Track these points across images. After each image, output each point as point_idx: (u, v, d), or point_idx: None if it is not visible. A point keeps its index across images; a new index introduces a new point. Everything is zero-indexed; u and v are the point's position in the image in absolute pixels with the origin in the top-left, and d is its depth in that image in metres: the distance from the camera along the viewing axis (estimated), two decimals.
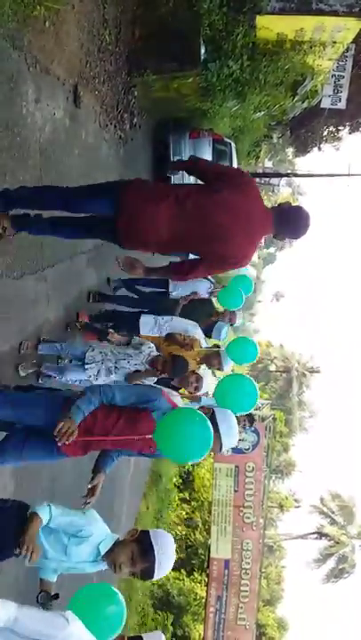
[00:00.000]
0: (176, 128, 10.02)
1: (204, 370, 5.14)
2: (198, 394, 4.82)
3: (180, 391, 4.88)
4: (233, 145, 10.83)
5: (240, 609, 11.66)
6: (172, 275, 3.88)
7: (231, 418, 3.27)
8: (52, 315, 5.01)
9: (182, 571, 15.88)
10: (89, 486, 3.22)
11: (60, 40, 4.83)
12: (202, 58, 7.48)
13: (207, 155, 10.05)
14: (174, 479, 16.54)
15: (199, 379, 4.82)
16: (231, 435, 3.22)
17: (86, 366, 4.41)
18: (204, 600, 12.88)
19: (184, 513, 17.25)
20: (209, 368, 5.39)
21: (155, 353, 4.54)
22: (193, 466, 18.18)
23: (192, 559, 16.42)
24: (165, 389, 3.27)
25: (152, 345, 4.58)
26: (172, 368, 4.40)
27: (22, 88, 4.11)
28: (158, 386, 3.57)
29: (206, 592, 12.39)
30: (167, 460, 15.02)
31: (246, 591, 11.61)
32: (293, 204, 3.63)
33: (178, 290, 6.59)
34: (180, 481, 17.53)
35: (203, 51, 7.45)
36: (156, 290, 6.80)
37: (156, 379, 4.49)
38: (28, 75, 4.19)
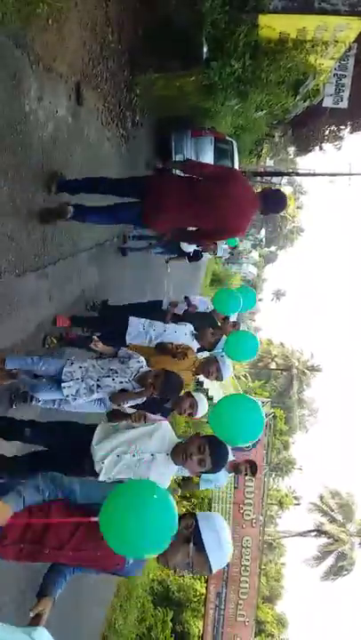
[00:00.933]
0: (178, 126, 10.03)
1: (198, 395, 4.44)
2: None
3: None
4: (235, 143, 10.85)
5: (239, 605, 11.71)
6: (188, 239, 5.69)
7: (219, 525, 2.38)
8: (53, 312, 5.04)
9: None
10: (31, 614, 2.37)
11: (62, 38, 4.85)
12: (204, 56, 7.48)
13: (209, 153, 10.07)
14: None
15: (194, 404, 4.28)
16: (222, 552, 2.35)
17: (63, 384, 3.79)
18: (203, 596, 12.93)
19: (184, 510, 17.30)
20: (206, 378, 4.90)
21: (145, 368, 3.90)
22: None
23: None
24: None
25: (142, 359, 3.95)
26: (164, 384, 3.74)
27: (25, 86, 4.14)
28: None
29: (206, 589, 12.45)
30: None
31: (246, 588, 11.66)
32: (273, 189, 4.94)
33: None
34: (180, 478, 17.57)
35: (205, 49, 7.45)
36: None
37: (144, 399, 3.88)
38: (30, 72, 4.21)
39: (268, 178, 24.26)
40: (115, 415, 3.54)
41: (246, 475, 5.34)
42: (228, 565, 11.99)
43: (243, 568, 11.88)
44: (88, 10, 5.47)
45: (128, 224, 6.24)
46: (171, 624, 12.83)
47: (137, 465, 3.14)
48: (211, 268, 27.28)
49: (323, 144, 18.19)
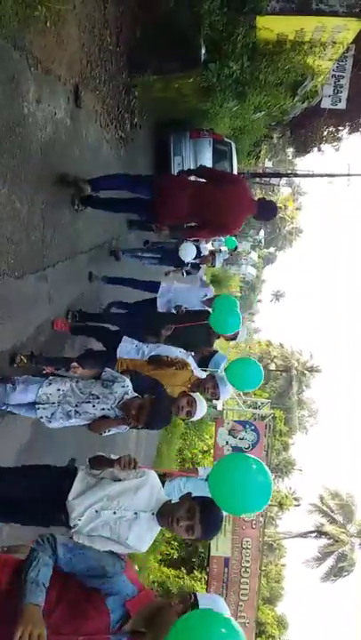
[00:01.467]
0: (176, 128, 10.04)
1: (196, 395, 4.27)
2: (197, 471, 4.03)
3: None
4: (233, 145, 10.86)
5: (240, 607, 11.70)
6: (191, 233, 5.81)
7: (220, 606, 2.28)
8: (52, 314, 5.04)
9: (182, 569, 15.92)
10: None
11: (61, 40, 4.86)
12: (202, 58, 7.50)
13: (208, 154, 10.08)
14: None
15: (192, 402, 4.09)
16: None
17: (38, 406, 3.47)
18: None
19: None
20: (202, 394, 4.53)
21: (130, 395, 3.47)
22: (193, 464, 18.21)
23: (192, 557, 16.46)
24: None
25: (127, 383, 3.51)
26: (150, 416, 3.34)
27: (23, 88, 4.14)
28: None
29: (206, 590, 12.44)
30: (168, 459, 15.05)
31: (246, 589, 11.66)
32: (268, 199, 5.71)
33: (168, 296, 6.07)
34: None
35: (203, 51, 7.46)
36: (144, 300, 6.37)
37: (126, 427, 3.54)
38: (29, 75, 4.22)
39: (267, 179, 24.29)
40: (98, 462, 3.05)
41: None
42: (228, 567, 12.00)
43: (243, 569, 11.88)
44: (86, 12, 5.48)
45: (137, 213, 6.84)
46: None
47: (116, 523, 2.78)
48: (210, 271, 27.30)
49: (321, 145, 18.22)
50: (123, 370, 4.18)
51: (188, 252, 7.92)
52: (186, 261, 8.33)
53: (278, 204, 49.53)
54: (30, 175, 4.28)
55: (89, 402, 3.42)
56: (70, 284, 5.60)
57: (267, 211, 5.38)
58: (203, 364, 5.13)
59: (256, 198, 5.41)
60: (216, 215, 5.04)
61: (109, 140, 6.83)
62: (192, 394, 4.22)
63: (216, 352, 5.35)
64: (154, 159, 9.93)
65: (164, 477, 4.91)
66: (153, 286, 6.46)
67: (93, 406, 3.42)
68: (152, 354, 4.68)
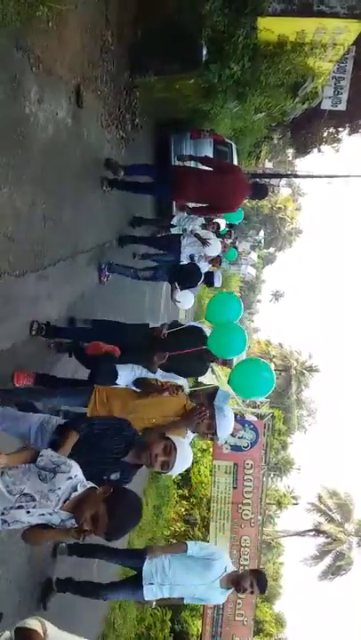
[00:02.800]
0: (177, 129, 10.07)
1: (177, 440, 3.34)
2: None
3: None
4: (234, 146, 10.89)
5: (238, 605, 11.73)
6: (201, 211, 7.06)
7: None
8: (53, 313, 5.07)
9: None
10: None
11: (62, 40, 4.88)
12: (203, 59, 7.52)
13: (208, 155, 10.10)
14: (173, 476, 16.61)
15: (170, 449, 3.16)
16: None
17: None
18: None
19: (183, 509, 17.33)
20: (196, 431, 3.92)
21: (82, 488, 2.46)
22: (192, 463, 18.22)
23: None
24: None
25: (76, 471, 2.49)
26: (111, 521, 2.41)
27: (25, 88, 4.17)
28: None
29: None
30: None
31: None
32: (259, 182, 7.46)
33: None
34: (180, 478, 17.59)
35: (204, 52, 7.49)
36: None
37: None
38: (30, 75, 4.24)
39: (267, 179, 24.30)
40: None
41: (252, 592, 4.67)
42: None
43: (241, 567, 11.90)
44: (88, 13, 5.51)
45: (156, 195, 8.62)
46: (170, 623, 12.84)
47: None
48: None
49: (321, 146, 18.24)
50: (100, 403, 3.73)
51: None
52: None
53: (278, 205, 49.66)
54: (31, 175, 4.31)
55: (21, 507, 2.38)
56: (71, 283, 5.63)
57: (259, 191, 6.83)
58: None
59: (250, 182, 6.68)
60: (219, 198, 6.31)
61: (110, 140, 6.86)
62: (174, 436, 3.35)
63: (217, 388, 4.30)
64: (154, 159, 9.96)
65: (144, 554, 4.73)
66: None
67: (28, 512, 2.39)
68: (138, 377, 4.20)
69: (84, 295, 6.13)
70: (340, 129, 16.76)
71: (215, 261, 9.10)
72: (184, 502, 17.63)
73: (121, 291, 8.01)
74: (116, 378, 4.26)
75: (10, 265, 4.03)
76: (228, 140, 10.83)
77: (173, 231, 8.72)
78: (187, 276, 7.30)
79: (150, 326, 5.27)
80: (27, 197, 4.24)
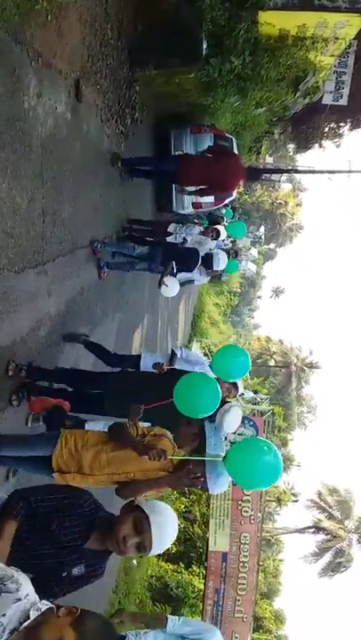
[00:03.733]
0: (177, 123, 10.02)
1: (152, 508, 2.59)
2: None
3: None
4: (234, 140, 10.83)
5: (238, 601, 11.76)
6: (203, 192, 7.84)
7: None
8: (53, 309, 5.05)
9: (181, 563, 16.00)
10: None
11: (62, 34, 4.84)
12: (204, 53, 7.46)
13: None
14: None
15: (142, 525, 2.47)
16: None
17: None
18: (201, 593, 12.98)
19: (182, 506, 17.35)
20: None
21: (34, 613, 1.65)
22: None
23: (190, 552, 16.53)
24: None
25: (29, 592, 1.71)
26: None
27: (24, 82, 4.13)
28: None
29: (204, 585, 12.50)
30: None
31: (244, 584, 11.71)
32: (253, 166, 9.78)
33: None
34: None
35: (204, 46, 7.43)
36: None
37: None
38: (30, 69, 4.21)
39: (268, 175, 24.22)
40: None
41: None
42: (226, 562, 12.04)
43: (241, 564, 11.93)
44: (87, 6, 5.46)
45: (165, 182, 9.45)
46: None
47: None
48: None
49: (322, 141, 18.17)
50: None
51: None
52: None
53: (279, 201, 49.55)
54: (30, 170, 4.28)
55: None
56: (71, 278, 5.60)
57: (254, 173, 8.57)
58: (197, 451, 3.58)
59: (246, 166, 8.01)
60: (219, 180, 7.25)
61: (110, 134, 6.82)
62: (149, 511, 2.52)
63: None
64: (154, 154, 9.92)
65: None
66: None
67: None
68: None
69: (84, 291, 6.10)
70: (341, 124, 16.69)
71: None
72: (183, 499, 17.64)
73: (120, 286, 7.99)
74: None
75: (9, 261, 4.00)
76: (229, 135, 10.78)
77: (169, 239, 7.99)
78: (184, 260, 6.95)
79: (143, 356, 5.22)
80: (26, 192, 4.21)
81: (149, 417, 3.68)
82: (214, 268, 7.63)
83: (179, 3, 7.07)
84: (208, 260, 7.49)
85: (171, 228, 8.17)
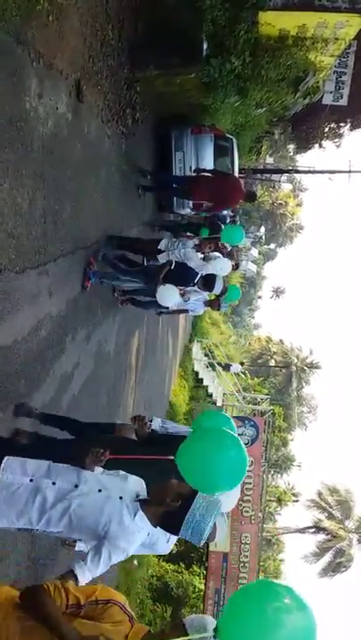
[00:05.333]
0: (178, 123, 10.03)
1: None
2: None
3: None
4: (234, 141, 10.84)
5: None
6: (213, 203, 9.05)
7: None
8: (54, 309, 5.05)
9: (181, 564, 15.98)
10: None
11: (63, 35, 4.85)
12: (204, 53, 7.48)
13: (209, 150, 10.06)
14: None
15: None
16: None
17: None
18: (202, 593, 12.98)
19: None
20: None
21: None
22: None
23: (191, 552, 16.50)
24: None
25: None
26: None
27: (25, 83, 4.14)
28: None
29: (205, 585, 12.50)
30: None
31: (244, 584, 11.71)
32: (251, 190, 11.09)
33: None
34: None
35: (205, 46, 7.45)
36: None
37: None
38: (31, 69, 4.22)
39: (268, 175, 24.23)
40: None
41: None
42: (227, 562, 12.05)
43: (241, 564, 11.94)
44: (88, 6, 5.47)
45: (176, 196, 10.09)
46: (170, 620, 12.87)
47: None
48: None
49: (322, 141, 18.18)
50: None
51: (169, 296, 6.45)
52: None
53: (279, 201, 49.50)
54: (31, 170, 4.29)
55: None
56: (71, 278, 5.61)
57: (250, 196, 9.49)
58: (168, 522, 2.76)
59: (245, 190, 9.22)
60: (223, 197, 8.51)
61: (111, 135, 6.83)
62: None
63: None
64: (155, 155, 9.92)
65: None
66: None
67: None
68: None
69: (85, 291, 6.11)
70: (341, 124, 16.70)
71: (213, 304, 7.81)
72: None
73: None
74: None
75: (10, 261, 4.01)
76: (229, 135, 10.79)
77: (161, 258, 7.06)
78: (177, 278, 6.41)
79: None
80: (27, 193, 4.21)
81: (121, 467, 2.99)
82: (214, 291, 6.91)
83: (179, 3, 7.08)
84: (209, 281, 6.76)
85: (162, 245, 7.23)
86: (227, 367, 20.22)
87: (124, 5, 6.56)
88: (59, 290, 5.13)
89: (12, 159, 3.94)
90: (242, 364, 25.34)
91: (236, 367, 20.70)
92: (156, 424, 3.98)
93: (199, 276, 6.68)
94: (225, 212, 12.34)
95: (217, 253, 8.04)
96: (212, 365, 20.49)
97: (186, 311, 7.62)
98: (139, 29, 7.07)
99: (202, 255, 7.45)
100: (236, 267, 10.27)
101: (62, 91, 4.96)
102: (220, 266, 7.29)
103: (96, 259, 6.26)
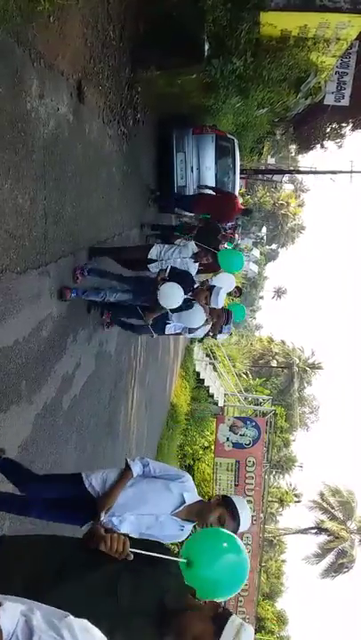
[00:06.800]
0: (179, 124, 10.03)
1: None
2: None
3: None
4: (236, 141, 10.85)
5: (240, 602, 11.74)
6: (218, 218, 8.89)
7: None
8: (55, 309, 5.05)
9: None
10: None
11: (64, 35, 4.85)
12: (206, 54, 7.48)
13: (210, 151, 10.07)
14: None
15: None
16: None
17: None
18: None
19: None
20: None
21: None
22: (194, 460, 18.24)
23: None
24: None
25: None
26: None
27: (26, 83, 4.14)
28: None
29: None
30: (168, 454, 15.09)
31: (246, 585, 11.70)
32: (247, 207, 13.40)
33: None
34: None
35: (206, 47, 7.45)
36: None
37: None
38: (32, 70, 4.21)
39: (270, 175, 24.23)
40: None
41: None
42: None
43: None
44: (90, 7, 5.47)
45: (183, 208, 10.61)
46: None
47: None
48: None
49: (324, 142, 18.18)
50: None
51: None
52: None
53: (281, 202, 49.49)
54: (32, 170, 4.28)
55: None
56: (72, 279, 5.60)
57: (247, 212, 11.18)
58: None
59: (242, 206, 10.38)
60: (222, 213, 9.13)
61: (112, 135, 6.83)
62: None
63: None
64: (156, 155, 9.93)
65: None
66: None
67: None
68: None
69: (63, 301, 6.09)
70: (343, 124, 16.69)
71: (216, 326, 6.28)
72: None
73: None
74: None
75: (11, 261, 4.01)
76: (231, 136, 10.79)
77: (152, 267, 6.34)
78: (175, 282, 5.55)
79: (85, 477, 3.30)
80: (28, 193, 4.21)
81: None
82: (214, 305, 6.00)
83: (181, 4, 7.08)
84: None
85: (153, 253, 6.45)
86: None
87: (125, 6, 6.56)
88: (60, 290, 5.13)
89: (13, 160, 3.94)
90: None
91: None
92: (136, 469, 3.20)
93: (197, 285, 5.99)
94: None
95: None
96: (213, 366, 20.49)
97: (185, 330, 6.34)
98: (140, 30, 7.07)
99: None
100: (238, 293, 8.56)
101: (63, 91, 4.96)
102: (226, 280, 6.47)
103: (83, 273, 5.56)
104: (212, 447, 14.85)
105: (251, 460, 12.27)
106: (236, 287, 7.56)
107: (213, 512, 2.96)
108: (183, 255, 6.31)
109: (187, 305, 5.50)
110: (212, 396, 19.14)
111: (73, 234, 5.42)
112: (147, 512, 3.06)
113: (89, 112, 5.77)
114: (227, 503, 2.99)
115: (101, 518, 2.95)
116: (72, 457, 5.69)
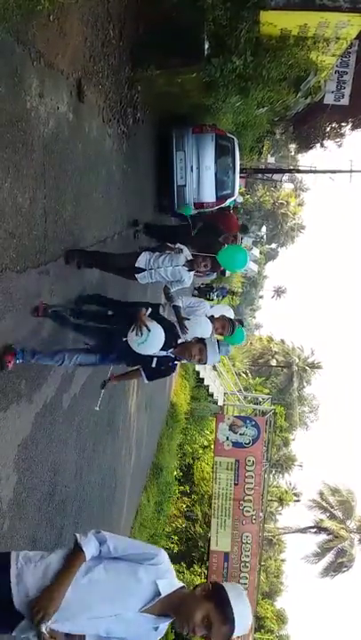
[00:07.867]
0: (179, 123, 10.02)
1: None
2: None
3: None
4: (236, 140, 10.84)
5: None
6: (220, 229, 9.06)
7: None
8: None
9: (182, 563, 15.98)
10: None
11: (64, 34, 4.85)
12: (205, 53, 7.47)
13: (210, 150, 10.06)
14: (175, 472, 16.63)
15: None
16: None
17: None
18: None
19: (184, 506, 17.35)
20: None
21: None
22: (193, 459, 18.25)
23: (192, 552, 16.53)
24: None
25: None
26: None
27: (26, 82, 4.14)
28: None
29: None
30: (168, 453, 15.09)
31: (245, 584, 11.71)
32: (243, 223, 13.97)
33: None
34: (181, 474, 17.61)
35: (206, 46, 7.44)
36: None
37: None
38: (32, 69, 4.22)
39: (270, 174, 24.22)
40: None
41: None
42: (227, 561, 12.05)
43: (242, 564, 11.93)
44: (89, 6, 5.47)
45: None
46: None
47: None
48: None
49: (324, 141, 18.16)
50: None
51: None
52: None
53: (281, 201, 49.45)
54: (32, 169, 4.28)
55: None
56: (72, 278, 5.60)
57: (243, 228, 11.70)
58: None
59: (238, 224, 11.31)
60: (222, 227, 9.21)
61: (112, 134, 6.83)
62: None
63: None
64: (156, 154, 9.92)
65: None
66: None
67: None
68: None
69: (85, 291, 6.10)
70: (343, 124, 16.67)
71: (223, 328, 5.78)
72: (185, 499, 17.65)
73: (123, 285, 7.97)
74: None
75: (11, 260, 4.01)
76: (230, 135, 10.78)
77: (140, 277, 5.77)
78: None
79: None
80: (28, 192, 4.21)
81: None
82: (209, 363, 4.85)
83: (180, 3, 7.07)
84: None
85: (141, 262, 5.74)
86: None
87: (125, 5, 6.56)
88: (60, 289, 5.13)
89: (13, 159, 3.94)
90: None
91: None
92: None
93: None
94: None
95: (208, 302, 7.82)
96: (212, 365, 20.49)
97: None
98: (140, 29, 7.07)
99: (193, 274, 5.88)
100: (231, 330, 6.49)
101: (63, 90, 4.96)
102: (201, 330, 5.28)
103: (17, 357, 4.13)
104: (212, 446, 14.85)
105: (250, 459, 12.27)
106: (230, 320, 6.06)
107: (198, 609, 2.19)
108: (175, 263, 5.61)
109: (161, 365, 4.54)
110: (211, 395, 19.16)
111: (73, 233, 5.42)
112: (106, 613, 2.20)
113: (89, 111, 5.77)
114: (218, 596, 2.22)
115: (42, 630, 2.11)
116: (72, 456, 5.70)
